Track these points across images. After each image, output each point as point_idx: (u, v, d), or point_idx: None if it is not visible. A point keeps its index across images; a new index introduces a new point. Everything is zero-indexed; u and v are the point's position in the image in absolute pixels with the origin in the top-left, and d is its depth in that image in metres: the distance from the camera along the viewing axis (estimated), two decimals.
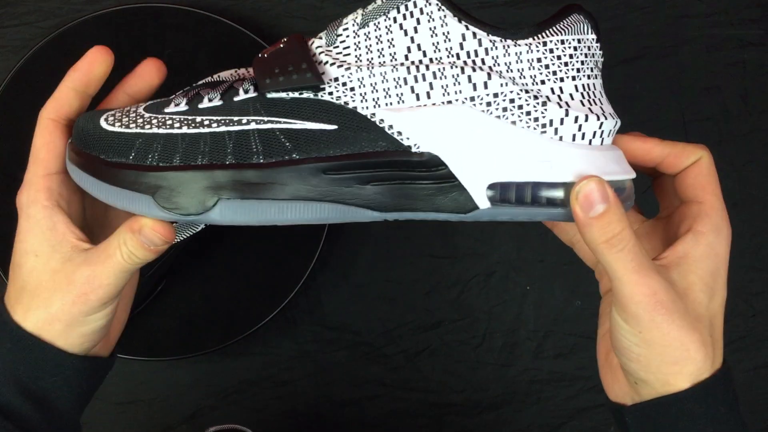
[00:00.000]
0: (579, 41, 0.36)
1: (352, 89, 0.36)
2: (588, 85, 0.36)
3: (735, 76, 0.65)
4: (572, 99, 0.36)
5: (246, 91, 0.37)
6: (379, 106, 0.36)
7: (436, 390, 0.65)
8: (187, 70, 0.63)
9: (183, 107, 0.38)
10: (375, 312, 0.65)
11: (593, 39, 0.37)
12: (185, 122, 0.37)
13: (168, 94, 0.41)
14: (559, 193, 0.36)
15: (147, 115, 0.38)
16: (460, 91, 0.35)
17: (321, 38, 0.38)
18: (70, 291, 0.38)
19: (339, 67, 0.36)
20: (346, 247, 0.65)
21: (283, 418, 0.65)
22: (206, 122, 0.37)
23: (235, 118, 0.37)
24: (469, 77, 0.35)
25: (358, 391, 0.65)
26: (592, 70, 0.37)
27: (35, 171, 0.39)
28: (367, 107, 0.36)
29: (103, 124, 0.38)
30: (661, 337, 0.34)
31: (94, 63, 0.40)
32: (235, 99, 0.37)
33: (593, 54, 0.37)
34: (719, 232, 0.37)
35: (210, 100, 0.38)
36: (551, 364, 0.65)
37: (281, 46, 0.38)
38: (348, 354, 0.65)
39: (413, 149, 0.36)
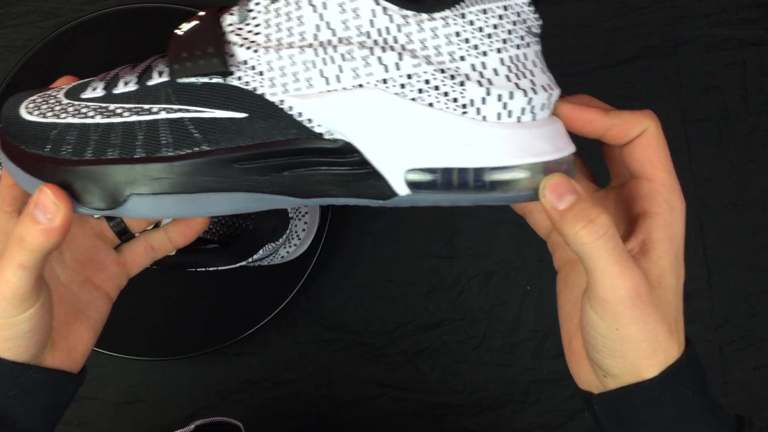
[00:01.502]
0: (505, 8, 0.33)
1: (261, 73, 0.34)
2: (516, 56, 0.34)
3: (735, 76, 0.66)
4: (496, 75, 0.33)
5: (160, 74, 0.36)
6: (287, 91, 0.34)
7: (436, 390, 0.65)
8: None
9: (99, 92, 0.37)
10: (375, 312, 0.65)
11: (525, 2, 0.34)
12: (99, 111, 0.36)
13: None
14: (482, 177, 0.33)
15: (65, 101, 0.37)
16: (372, 74, 0.33)
17: (233, 14, 0.36)
18: None
19: (248, 49, 0.34)
20: (346, 247, 0.65)
21: (283, 418, 0.65)
22: (119, 111, 0.36)
23: (146, 107, 0.35)
24: (380, 58, 0.33)
25: (358, 391, 0.65)
26: (522, 39, 0.34)
27: (4, 182, 0.39)
28: (275, 93, 0.34)
29: (22, 112, 0.37)
30: (638, 332, 0.33)
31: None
32: (149, 83, 0.36)
33: (524, 20, 0.34)
34: (673, 209, 0.35)
35: (125, 84, 0.36)
36: (551, 364, 0.65)
37: (195, 23, 0.36)
38: (348, 354, 0.65)
39: (326, 136, 0.34)
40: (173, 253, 0.46)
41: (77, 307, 0.41)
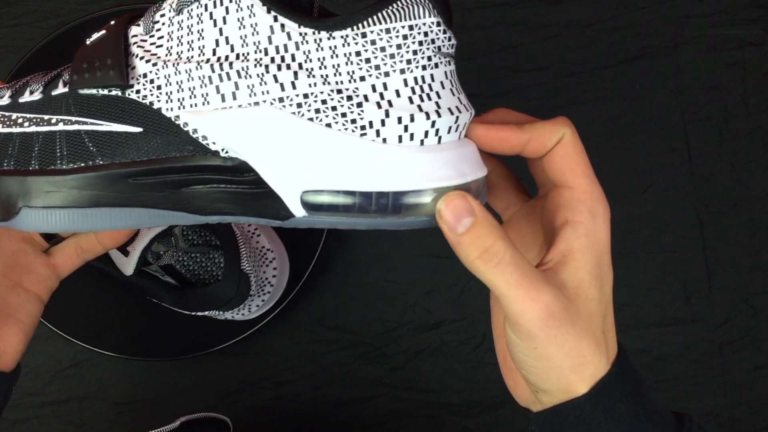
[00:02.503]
0: (411, 28, 0.31)
1: (159, 87, 0.33)
2: (421, 78, 0.32)
3: (735, 76, 0.65)
4: (398, 96, 0.32)
5: (65, 83, 0.35)
6: (183, 107, 0.33)
7: (436, 390, 0.65)
8: None
9: (5, 100, 0.36)
10: (375, 312, 0.65)
11: (433, 23, 0.32)
12: (1, 120, 0.36)
13: None
14: (379, 201, 0.32)
15: None
16: (268, 92, 0.32)
17: (140, 25, 0.35)
18: None
19: (147, 61, 0.33)
20: (346, 247, 0.65)
21: (283, 418, 0.65)
22: (20, 120, 0.35)
23: (46, 117, 0.35)
24: (275, 76, 0.32)
25: (358, 391, 0.65)
26: (429, 60, 0.32)
27: None
28: (171, 108, 0.33)
29: None
30: (557, 350, 0.32)
31: None
32: (53, 93, 0.35)
33: (432, 40, 0.32)
34: (596, 216, 0.34)
35: (31, 93, 0.36)
36: None
37: (104, 32, 0.35)
38: (348, 354, 0.65)
39: (221, 154, 0.33)
40: (103, 254, 0.45)
41: (6, 312, 0.41)
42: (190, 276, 0.59)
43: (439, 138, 0.33)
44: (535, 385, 0.35)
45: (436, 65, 0.33)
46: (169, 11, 0.34)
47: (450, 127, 0.33)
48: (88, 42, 0.35)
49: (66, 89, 0.35)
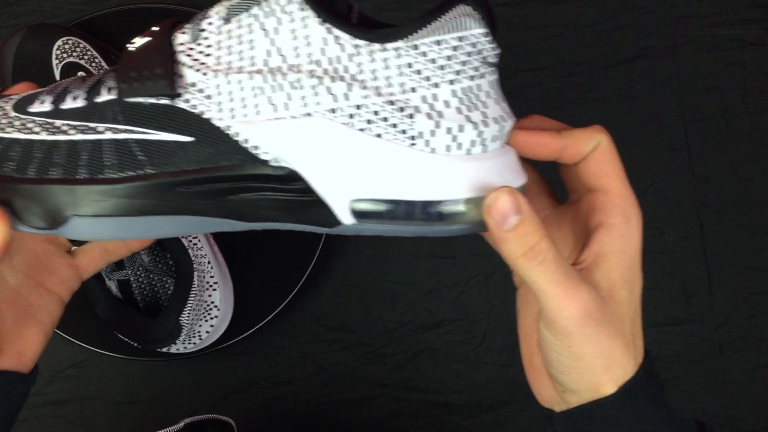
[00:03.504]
0: (460, 39, 0.32)
1: (209, 97, 0.33)
2: (469, 88, 0.33)
3: (735, 76, 0.65)
4: (447, 107, 0.33)
5: (109, 90, 0.35)
6: (234, 117, 0.33)
7: (436, 390, 0.65)
8: None
9: (47, 107, 0.36)
10: (375, 312, 0.65)
11: (480, 33, 0.33)
12: (45, 127, 0.35)
13: None
14: (427, 210, 0.33)
15: (12, 114, 0.36)
16: (320, 103, 0.32)
17: (186, 32, 0.35)
18: None
19: (197, 71, 0.34)
20: (346, 248, 0.65)
21: (283, 418, 0.65)
22: (65, 128, 0.35)
23: (92, 125, 0.35)
24: (329, 88, 0.32)
25: (358, 391, 0.65)
26: (476, 70, 0.33)
27: None
28: (222, 118, 0.33)
29: None
30: (591, 349, 0.33)
31: None
32: (97, 100, 0.35)
33: (479, 51, 0.33)
34: (629, 220, 0.35)
35: (74, 99, 0.36)
36: None
37: (149, 39, 0.35)
38: (348, 354, 0.65)
39: (271, 163, 0.33)
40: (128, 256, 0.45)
41: (28, 312, 0.41)
42: (138, 293, 0.59)
43: (485, 147, 0.33)
44: (563, 385, 0.35)
45: (483, 75, 0.33)
46: (217, 19, 0.34)
47: (494, 136, 0.34)
48: (131, 48, 0.35)
49: (111, 97, 0.35)
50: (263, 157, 0.34)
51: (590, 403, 0.34)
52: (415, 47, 0.32)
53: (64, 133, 0.35)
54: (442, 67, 0.32)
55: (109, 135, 0.34)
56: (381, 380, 0.65)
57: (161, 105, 0.34)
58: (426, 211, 0.33)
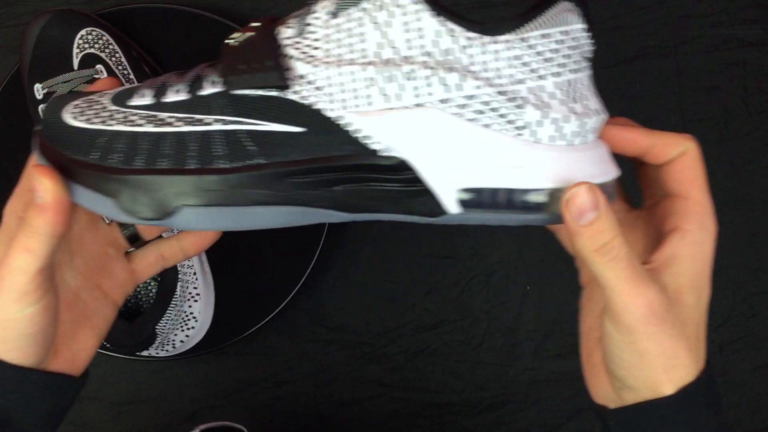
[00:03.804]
0: (564, 33, 0.34)
1: (319, 88, 0.34)
2: (571, 81, 0.34)
3: (735, 76, 0.66)
4: (553, 98, 0.34)
5: (213, 84, 0.36)
6: (346, 108, 0.34)
7: (436, 390, 0.65)
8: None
9: (148, 100, 0.36)
10: (375, 312, 0.65)
11: (581, 29, 0.35)
12: (149, 119, 0.36)
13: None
14: (532, 198, 0.34)
15: (112, 107, 0.37)
16: (432, 93, 0.33)
17: (291, 27, 0.35)
18: None
19: (306, 63, 0.34)
20: (346, 247, 0.65)
21: (283, 418, 0.65)
22: (170, 120, 0.35)
23: (199, 117, 0.35)
24: (442, 79, 0.33)
25: (358, 391, 0.65)
26: (577, 64, 0.35)
27: (24, 185, 0.39)
28: (333, 109, 0.34)
29: (65, 117, 0.37)
30: (654, 347, 0.34)
31: None
32: (201, 93, 0.36)
33: (580, 45, 0.35)
34: (705, 230, 0.36)
35: (176, 92, 0.36)
36: (551, 364, 0.65)
37: (250, 34, 0.36)
38: (348, 354, 0.65)
39: (381, 153, 0.34)
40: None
41: (84, 314, 0.41)
42: (128, 312, 0.59)
43: (585, 138, 0.35)
44: (622, 381, 0.36)
45: (582, 69, 0.35)
46: (324, 14, 0.35)
47: (594, 128, 0.35)
48: (233, 43, 0.36)
49: (216, 89, 0.35)
50: (374, 147, 0.34)
51: (648, 401, 0.35)
52: (524, 40, 0.33)
53: (170, 125, 0.35)
54: (547, 60, 0.34)
55: (218, 126, 0.35)
56: (381, 380, 0.65)
57: (269, 97, 0.35)
58: (529, 200, 0.34)
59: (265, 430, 0.65)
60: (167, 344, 0.59)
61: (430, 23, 0.33)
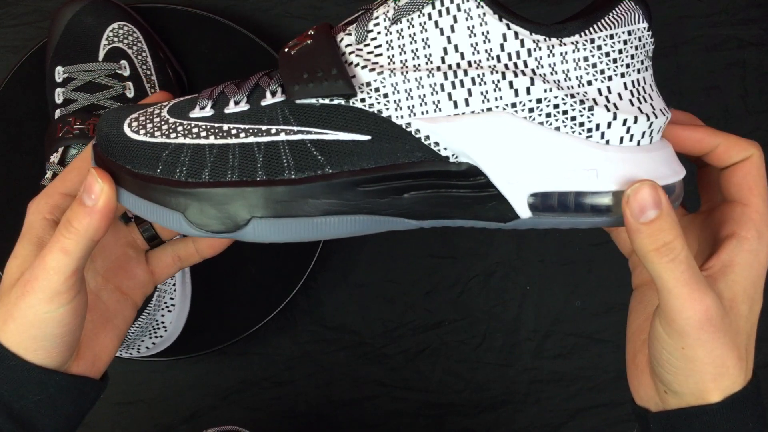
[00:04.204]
0: (629, 33, 0.34)
1: (386, 96, 0.34)
2: (637, 80, 0.34)
3: (735, 76, 0.65)
4: (621, 99, 0.34)
5: (273, 94, 0.35)
6: (414, 114, 0.34)
7: (436, 390, 0.65)
8: (186, 71, 0.63)
9: (208, 111, 0.36)
10: (375, 312, 0.65)
11: (644, 28, 0.34)
12: (212, 131, 0.35)
13: (175, 95, 0.40)
14: (604, 201, 0.34)
15: (172, 120, 0.36)
16: (501, 98, 0.33)
17: (350, 34, 0.35)
18: (19, 284, 0.36)
19: (371, 70, 0.34)
20: (346, 247, 0.65)
21: (283, 418, 0.65)
22: (233, 131, 0.35)
23: (264, 128, 0.35)
24: (511, 83, 0.33)
25: (358, 391, 0.65)
26: (642, 63, 0.34)
27: (56, 186, 0.39)
28: (401, 116, 0.34)
29: (126, 131, 0.36)
30: (704, 354, 0.33)
31: None
32: (262, 103, 0.35)
33: (644, 45, 0.34)
34: (762, 237, 0.35)
35: (236, 103, 0.36)
36: (551, 364, 0.65)
37: (309, 42, 0.35)
38: (348, 354, 0.65)
39: (451, 159, 0.34)
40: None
41: (105, 316, 0.41)
42: None
43: (652, 138, 0.34)
44: (667, 385, 0.35)
45: (647, 69, 0.35)
46: (384, 20, 0.34)
47: (660, 128, 0.35)
48: (290, 51, 0.35)
49: (277, 99, 0.35)
50: (443, 153, 0.34)
51: (694, 407, 0.34)
52: (591, 41, 0.33)
53: (235, 136, 0.35)
54: (614, 60, 0.33)
55: (283, 136, 0.35)
56: (381, 380, 0.65)
57: (334, 105, 0.34)
58: (601, 202, 0.34)
59: (265, 430, 0.65)
60: (131, 348, 0.59)
61: (496, 27, 0.33)
